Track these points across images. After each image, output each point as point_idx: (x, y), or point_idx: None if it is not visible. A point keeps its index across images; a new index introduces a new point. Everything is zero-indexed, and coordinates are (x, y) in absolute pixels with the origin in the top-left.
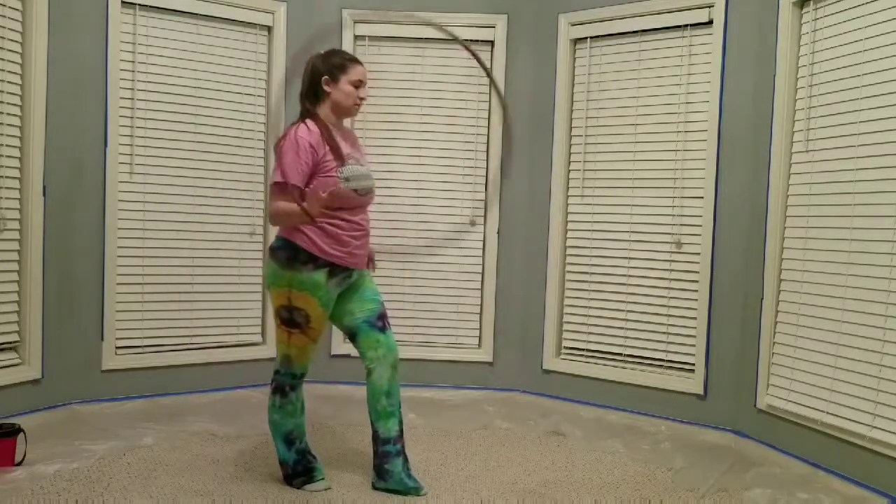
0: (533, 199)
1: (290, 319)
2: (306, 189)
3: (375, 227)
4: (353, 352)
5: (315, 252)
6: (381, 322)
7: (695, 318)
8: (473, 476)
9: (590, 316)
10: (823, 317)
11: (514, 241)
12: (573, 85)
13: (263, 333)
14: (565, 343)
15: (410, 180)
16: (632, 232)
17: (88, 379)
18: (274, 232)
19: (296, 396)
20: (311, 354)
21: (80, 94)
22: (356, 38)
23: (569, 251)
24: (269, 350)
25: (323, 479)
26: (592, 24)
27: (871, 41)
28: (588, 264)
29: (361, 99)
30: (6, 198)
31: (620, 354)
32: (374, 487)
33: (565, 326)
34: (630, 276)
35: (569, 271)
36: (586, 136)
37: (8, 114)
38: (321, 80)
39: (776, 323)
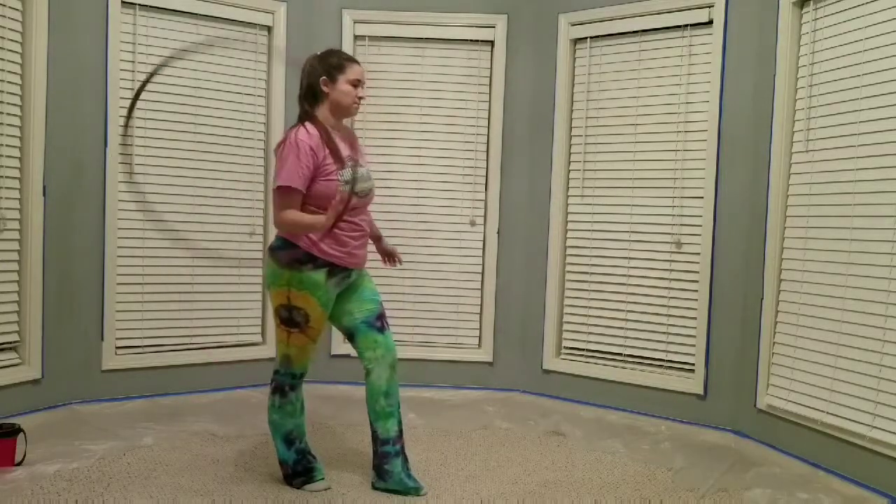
0: (533, 199)
1: (290, 319)
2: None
3: None
4: (353, 352)
5: (315, 252)
6: (379, 322)
7: (695, 318)
8: (473, 476)
9: (590, 316)
10: (823, 317)
11: (514, 241)
12: (573, 85)
13: (263, 333)
14: (565, 343)
15: (410, 180)
16: (632, 232)
17: (88, 379)
18: (274, 232)
19: (295, 396)
20: (311, 354)
21: (80, 93)
22: (356, 38)
23: (569, 251)
24: (269, 350)
25: (323, 478)
26: (592, 24)
27: (871, 41)
28: (588, 264)
29: (360, 98)
30: (6, 198)
31: (620, 354)
32: (374, 487)
33: (565, 326)
34: (630, 276)
35: (569, 271)
36: (586, 136)
37: (8, 114)
38: (319, 81)
39: (776, 323)
